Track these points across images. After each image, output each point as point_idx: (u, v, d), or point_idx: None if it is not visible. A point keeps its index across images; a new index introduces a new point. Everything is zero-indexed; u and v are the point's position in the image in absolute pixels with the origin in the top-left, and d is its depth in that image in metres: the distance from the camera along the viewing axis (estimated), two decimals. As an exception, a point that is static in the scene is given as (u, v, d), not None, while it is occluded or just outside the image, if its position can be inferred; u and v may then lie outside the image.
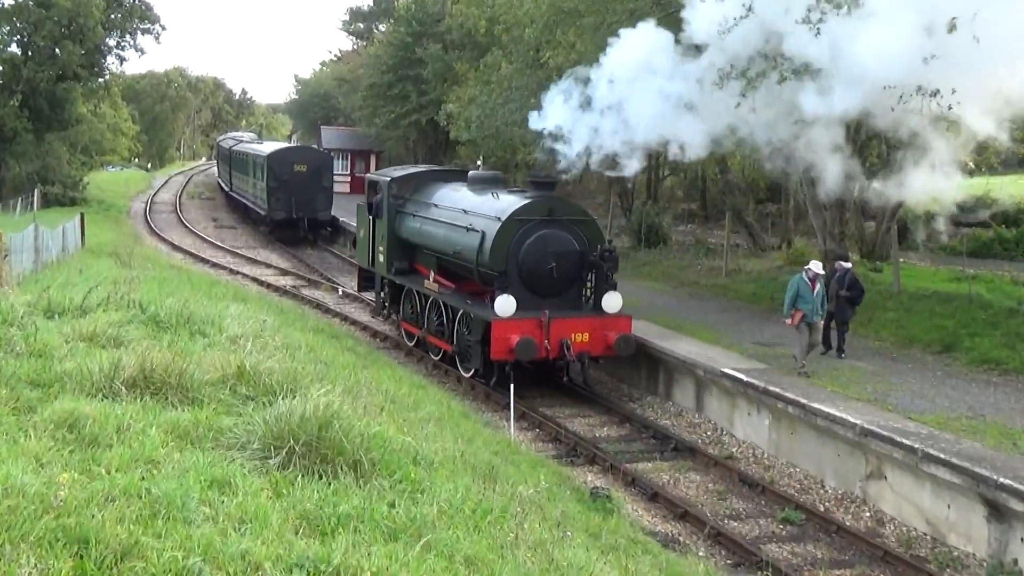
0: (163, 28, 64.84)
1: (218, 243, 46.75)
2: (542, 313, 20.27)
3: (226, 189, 64.67)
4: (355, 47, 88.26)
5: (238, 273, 37.14)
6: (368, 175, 29.15)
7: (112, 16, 62.45)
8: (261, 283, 34.95)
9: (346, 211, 49.09)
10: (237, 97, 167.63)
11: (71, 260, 28.34)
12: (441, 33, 54.73)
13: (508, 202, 21.45)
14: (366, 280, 28.65)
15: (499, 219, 20.86)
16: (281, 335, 15.43)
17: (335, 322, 28.31)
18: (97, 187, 67.12)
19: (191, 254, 42.38)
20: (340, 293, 33.26)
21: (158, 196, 73.86)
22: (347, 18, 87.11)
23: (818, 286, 18.48)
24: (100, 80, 65.31)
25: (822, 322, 19.44)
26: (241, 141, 66.76)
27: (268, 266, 39.75)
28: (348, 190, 64.41)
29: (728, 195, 40.05)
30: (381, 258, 26.35)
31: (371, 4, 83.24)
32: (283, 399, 8.82)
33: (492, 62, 35.09)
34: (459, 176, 25.49)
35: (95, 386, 9.39)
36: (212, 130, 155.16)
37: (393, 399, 13.51)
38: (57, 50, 58.47)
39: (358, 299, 31.61)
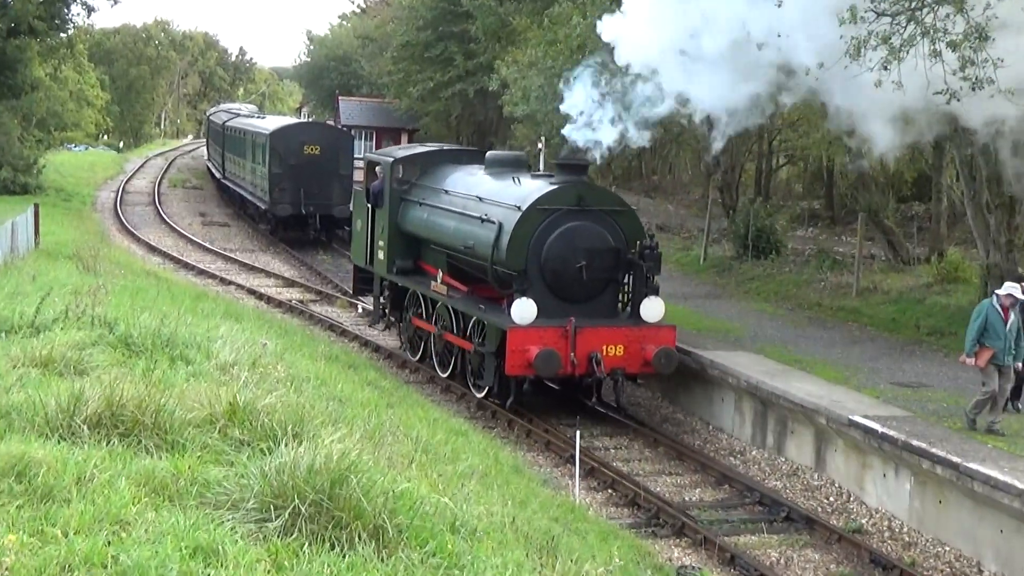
0: (143, -29, 65.44)
1: (206, 244, 47.24)
2: (567, 321, 20.93)
3: (217, 176, 65.27)
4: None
5: (231, 283, 37.47)
6: (368, 155, 30.27)
7: None
8: (260, 296, 35.24)
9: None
10: (233, 59, 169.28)
11: (21, 263, 28.66)
12: (494, -22, 54.75)
13: (531, 188, 22.14)
14: (362, 282, 29.63)
15: (519, 208, 21.55)
16: (285, 363, 15.56)
17: (353, 347, 28.47)
18: (56, 171, 67.94)
19: (172, 258, 42.82)
20: (360, 310, 33.45)
21: (132, 183, 74.78)
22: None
23: (1012, 316, 17.80)
24: (62, 35, 66.03)
25: (1019, 365, 18.41)
26: (237, 115, 67.32)
27: (269, 275, 40.06)
28: (374, 178, 64.81)
29: (861, 191, 39.75)
30: (381, 255, 27.11)
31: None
32: (286, 446, 8.88)
33: (560, 15, 35.19)
34: (476, 157, 26.34)
35: (50, 425, 9.51)
36: (201, 101, 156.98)
37: (426, 448, 13.56)
38: (7, -3, 59.31)
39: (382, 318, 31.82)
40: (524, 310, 20.96)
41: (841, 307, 29.27)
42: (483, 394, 22.85)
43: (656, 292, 21.83)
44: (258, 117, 65.78)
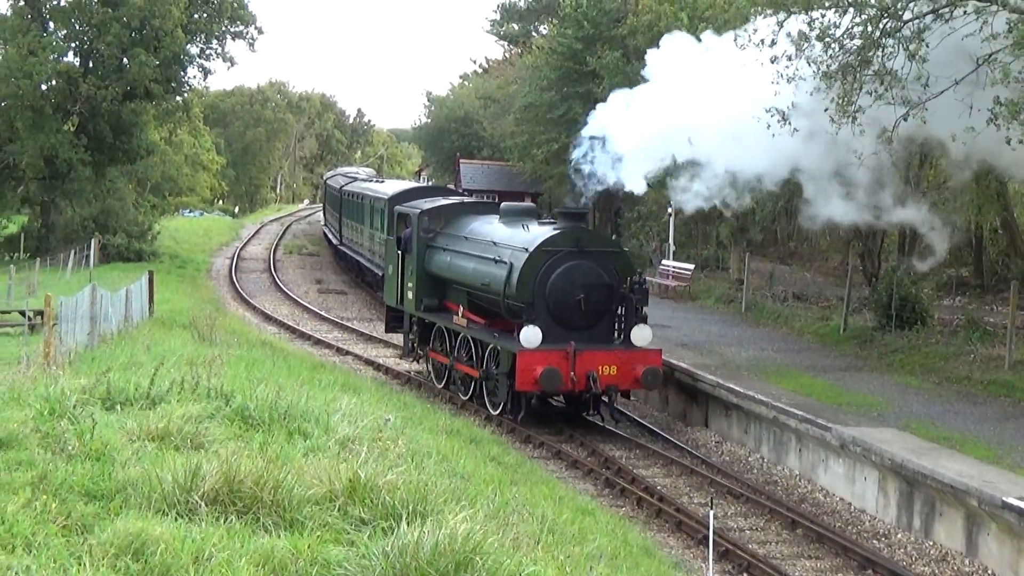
0: (259, 31, 66.73)
1: (323, 313, 47.86)
2: (568, 345, 26.06)
3: (334, 242, 65.86)
4: (507, 56, 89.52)
5: (348, 353, 37.83)
6: (398, 207, 35.18)
7: (196, 16, 64.59)
8: (379, 367, 35.51)
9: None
10: (351, 121, 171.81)
11: (136, 332, 29.27)
12: (621, 37, 54.64)
13: (537, 233, 27.51)
14: (394, 320, 35.05)
15: (527, 250, 26.86)
16: (406, 438, 15.67)
17: (475, 421, 28.54)
18: (171, 237, 69.52)
19: (288, 327, 43.41)
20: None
21: (247, 250, 75.95)
22: (497, 18, 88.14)
23: None
24: (178, 99, 67.63)
25: None
26: (355, 179, 67.90)
27: (388, 344, 40.30)
28: (495, 244, 64.97)
29: (1013, 258, 39.13)
30: (410, 295, 32.57)
31: (529, 0, 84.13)
32: (409, 525, 8.94)
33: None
34: (492, 208, 31.87)
35: (167, 500, 9.68)
36: (318, 164, 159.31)
37: (552, 527, 13.55)
38: (125, 60, 60.98)
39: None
40: (531, 336, 26.06)
41: (992, 381, 28.71)
42: (498, 411, 27.99)
43: (644, 321, 27.07)
44: (376, 181, 66.38)
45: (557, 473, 23.98)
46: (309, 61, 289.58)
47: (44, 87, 61.51)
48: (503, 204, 31.38)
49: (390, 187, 52.89)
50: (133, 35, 60.63)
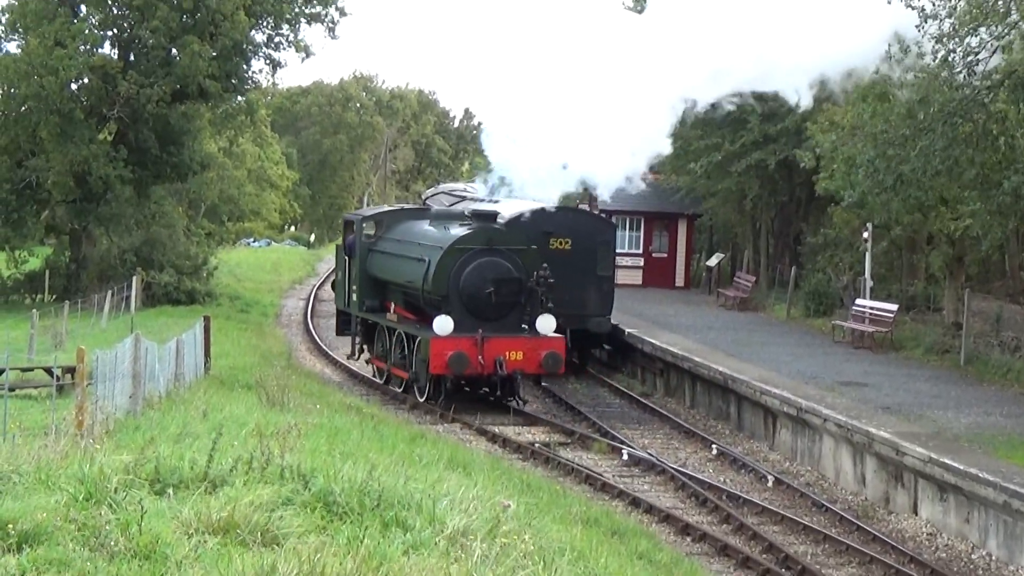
0: (342, 13, 66.52)
1: (422, 368, 47.83)
2: (477, 332, 36.37)
3: (435, 278, 66.36)
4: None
5: (455, 420, 37.85)
6: (345, 215, 49.29)
7: None
8: (493, 438, 35.52)
9: (638, 316, 49.47)
10: (456, 125, 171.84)
11: (189, 394, 29.50)
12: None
13: (453, 233, 38.27)
14: (344, 324, 46.52)
15: (442, 248, 37.51)
16: (531, 530, 15.62)
17: (616, 507, 28.45)
18: (230, 273, 70.15)
19: (378, 386, 43.53)
20: (625, 457, 33.45)
21: (326, 288, 75.82)
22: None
23: None
24: (239, 99, 67.21)
25: None
26: (463, 198, 67.86)
27: (504, 410, 40.36)
28: (641, 281, 64.73)
29: None
30: (354, 297, 43.65)
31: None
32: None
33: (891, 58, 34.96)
34: (428, 214, 42.35)
35: (234, 612, 9.75)
36: (415, 179, 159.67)
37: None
38: (174, 51, 60.64)
39: (652, 467, 31.92)
40: (443, 324, 36.59)
41: None
42: (424, 397, 38.84)
43: (549, 311, 37.45)
44: (489, 201, 66.31)
45: (725, 574, 23.84)
46: (403, 50, 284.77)
47: (74, 86, 60.96)
48: (434, 208, 43.77)
49: (506, 208, 52.65)
50: (184, 19, 59.78)
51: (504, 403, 38.77)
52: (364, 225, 43.30)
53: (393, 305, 41.20)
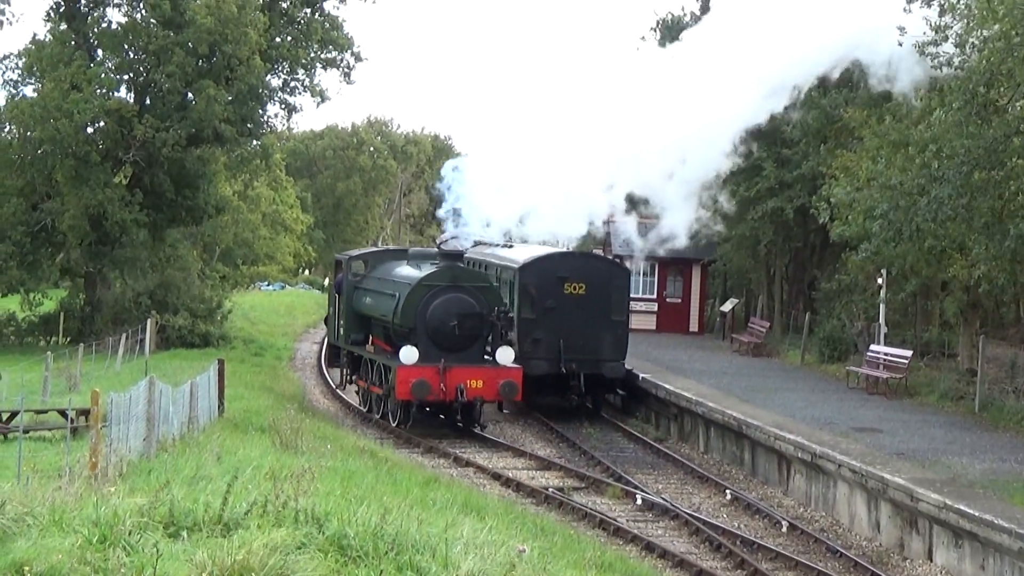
0: (358, 58, 66.88)
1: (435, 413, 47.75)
2: (440, 362, 39.97)
3: (450, 322, 66.42)
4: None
5: (470, 464, 37.86)
6: (336, 255, 52.69)
7: (278, 40, 64.29)
8: (507, 482, 35.51)
9: (652, 361, 49.36)
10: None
11: (203, 437, 29.54)
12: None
13: (421, 271, 42.47)
14: (334, 356, 51.71)
15: (410, 284, 41.64)
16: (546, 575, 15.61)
17: (630, 552, 28.42)
18: (245, 317, 70.18)
19: (392, 430, 43.43)
20: (639, 501, 33.41)
21: (340, 332, 76.29)
22: (656, 36, 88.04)
23: None
24: (255, 143, 67.25)
25: None
26: (478, 242, 68.01)
27: (518, 453, 40.33)
28: (655, 326, 64.65)
29: None
30: (342, 331, 48.46)
31: (694, 12, 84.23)
32: None
33: (904, 107, 34.93)
34: (407, 254, 46.93)
35: (249, 656, 9.75)
36: (428, 224, 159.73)
37: None
38: (190, 95, 60.89)
39: (666, 512, 31.83)
40: (409, 354, 40.26)
41: None
42: (396, 422, 42.63)
43: (509, 344, 41.98)
44: (504, 246, 66.36)
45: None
46: (418, 94, 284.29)
47: (90, 129, 61.27)
48: (412, 249, 48.74)
49: (521, 253, 52.62)
50: (200, 64, 60.35)
51: (470, 429, 42.53)
52: (352, 264, 48.37)
53: (371, 337, 45.99)
